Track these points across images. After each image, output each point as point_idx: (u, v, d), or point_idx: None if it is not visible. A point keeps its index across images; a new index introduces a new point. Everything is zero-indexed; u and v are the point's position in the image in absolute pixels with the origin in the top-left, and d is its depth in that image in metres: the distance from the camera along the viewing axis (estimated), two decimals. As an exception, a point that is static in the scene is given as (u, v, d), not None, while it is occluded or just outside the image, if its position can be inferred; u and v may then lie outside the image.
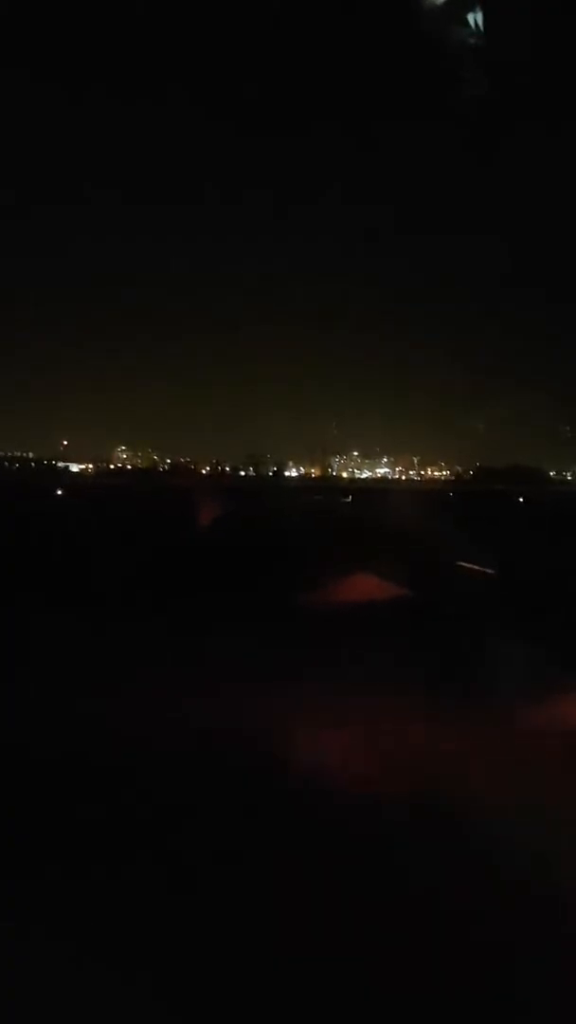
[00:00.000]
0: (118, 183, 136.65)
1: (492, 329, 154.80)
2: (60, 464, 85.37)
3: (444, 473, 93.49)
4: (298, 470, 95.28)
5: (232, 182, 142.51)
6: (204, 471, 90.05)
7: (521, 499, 44.98)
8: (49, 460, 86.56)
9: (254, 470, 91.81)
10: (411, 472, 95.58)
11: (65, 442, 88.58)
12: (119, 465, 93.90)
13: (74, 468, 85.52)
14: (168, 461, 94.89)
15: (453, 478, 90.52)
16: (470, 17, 11.86)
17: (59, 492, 41.66)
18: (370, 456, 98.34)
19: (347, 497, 42.50)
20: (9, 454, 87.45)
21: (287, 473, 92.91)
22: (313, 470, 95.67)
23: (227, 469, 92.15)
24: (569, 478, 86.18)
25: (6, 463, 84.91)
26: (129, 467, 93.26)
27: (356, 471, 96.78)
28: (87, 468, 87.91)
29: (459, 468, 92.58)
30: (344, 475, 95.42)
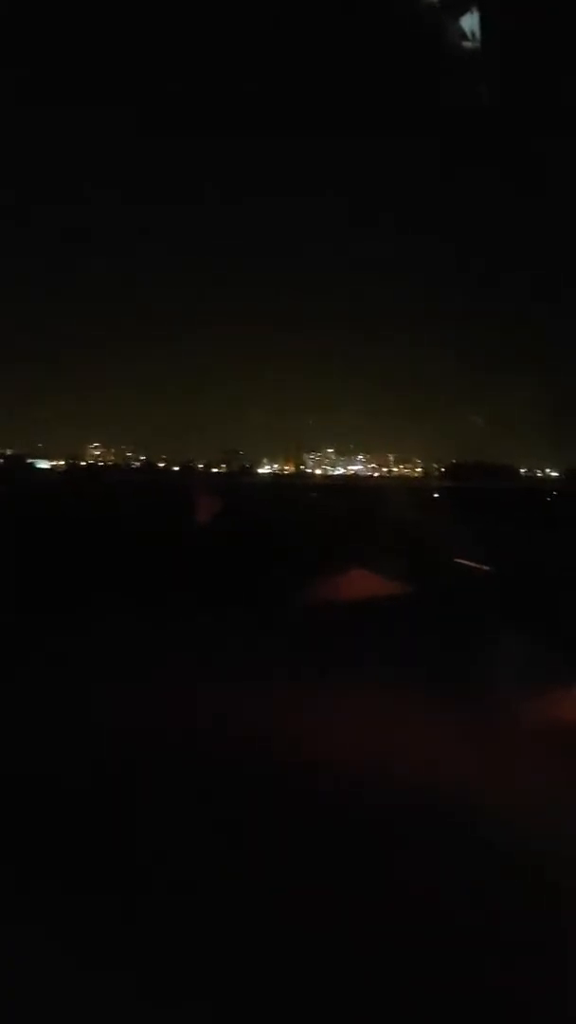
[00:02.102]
0: (100, 182, 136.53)
1: (471, 328, 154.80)
2: (28, 460, 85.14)
3: (418, 470, 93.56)
4: (272, 467, 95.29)
5: (216, 181, 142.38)
6: (174, 468, 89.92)
7: (436, 495, 47.94)
8: (23, 457, 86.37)
9: (227, 467, 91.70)
10: (384, 469, 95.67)
11: None
12: (91, 462, 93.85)
13: (43, 465, 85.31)
14: (143, 458, 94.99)
15: (424, 475, 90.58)
16: (465, 24, 11.81)
17: None
18: (344, 453, 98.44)
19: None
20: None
21: (260, 470, 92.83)
22: (287, 467, 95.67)
23: (200, 466, 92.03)
24: (540, 475, 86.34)
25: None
26: (101, 464, 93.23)
27: (330, 468, 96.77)
28: (58, 464, 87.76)
29: (435, 464, 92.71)
30: (318, 472, 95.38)
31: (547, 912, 3.33)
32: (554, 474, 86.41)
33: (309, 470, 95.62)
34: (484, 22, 11.61)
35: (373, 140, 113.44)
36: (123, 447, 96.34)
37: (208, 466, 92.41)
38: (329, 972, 2.93)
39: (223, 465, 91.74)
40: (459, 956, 3.03)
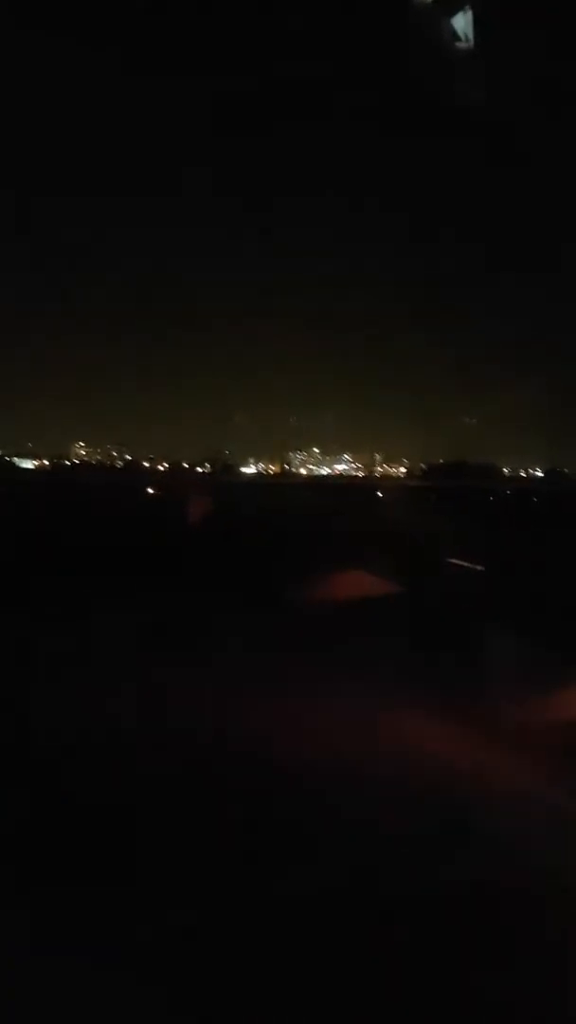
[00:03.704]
0: (97, 191, 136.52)
1: (461, 329, 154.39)
2: (13, 459, 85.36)
3: (402, 470, 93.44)
4: (258, 467, 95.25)
5: (204, 181, 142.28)
6: (160, 468, 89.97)
7: (379, 493, 50.86)
8: (5, 456, 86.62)
9: (211, 467, 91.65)
10: (371, 469, 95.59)
11: None
12: (77, 461, 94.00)
13: (27, 464, 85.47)
14: (128, 457, 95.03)
15: (408, 475, 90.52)
16: (458, 27, 11.77)
17: None
18: (330, 452, 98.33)
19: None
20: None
21: (245, 470, 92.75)
22: (272, 467, 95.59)
23: (185, 465, 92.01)
24: (524, 475, 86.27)
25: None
26: (88, 463, 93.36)
27: (315, 468, 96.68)
28: (41, 463, 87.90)
29: (422, 465, 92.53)
30: (303, 472, 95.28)
31: (545, 911, 3.31)
32: (539, 474, 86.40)
33: (294, 470, 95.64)
34: (477, 22, 11.56)
35: (368, 140, 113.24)
36: (108, 446, 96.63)
37: (193, 465, 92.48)
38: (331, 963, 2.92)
39: (207, 464, 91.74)
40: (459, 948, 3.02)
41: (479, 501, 44.37)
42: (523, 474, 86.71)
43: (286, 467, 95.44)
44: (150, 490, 44.07)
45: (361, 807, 4.19)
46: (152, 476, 78.02)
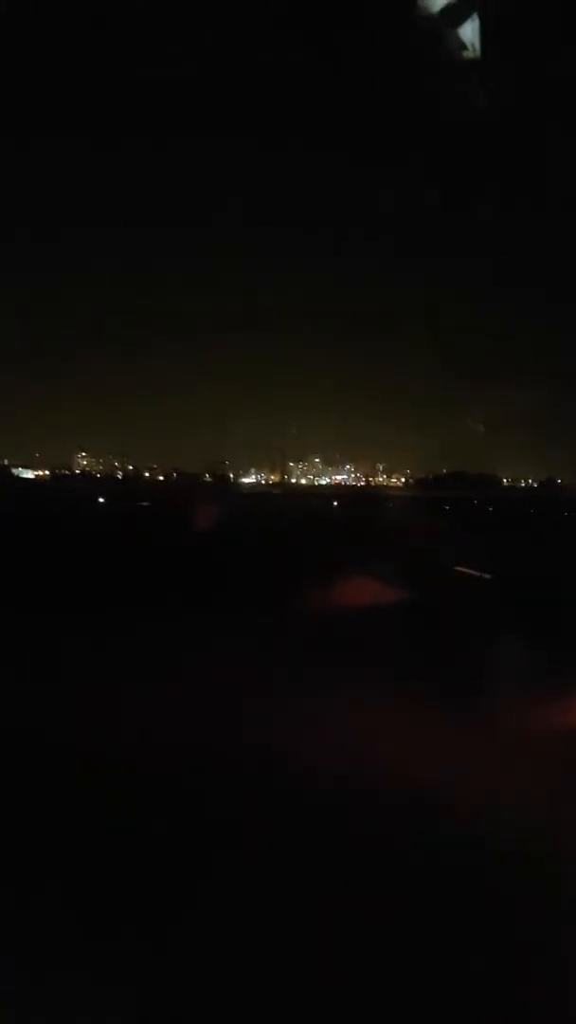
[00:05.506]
0: (97, 198, 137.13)
1: (462, 336, 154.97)
2: (15, 470, 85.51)
3: (400, 480, 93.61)
4: (258, 476, 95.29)
5: (194, 185, 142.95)
6: (160, 478, 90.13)
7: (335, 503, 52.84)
8: (8, 467, 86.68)
9: (211, 476, 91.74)
10: (371, 479, 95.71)
11: None
12: (78, 471, 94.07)
13: (27, 475, 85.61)
14: (130, 467, 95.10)
15: (405, 485, 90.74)
16: (464, 34, 11.93)
17: None
18: (331, 462, 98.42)
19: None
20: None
21: (245, 479, 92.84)
22: (273, 476, 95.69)
23: (174, 475, 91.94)
24: (523, 485, 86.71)
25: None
26: (90, 473, 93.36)
27: (315, 478, 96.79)
28: (43, 474, 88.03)
29: (423, 475, 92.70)
30: (303, 481, 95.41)
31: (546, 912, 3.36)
32: (535, 484, 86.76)
33: (294, 480, 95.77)
34: (485, 31, 11.69)
35: (369, 149, 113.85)
36: (110, 456, 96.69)
37: (195, 475, 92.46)
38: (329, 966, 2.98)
39: (206, 475, 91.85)
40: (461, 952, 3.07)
41: (474, 509, 45.38)
42: (522, 483, 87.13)
43: (285, 477, 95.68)
44: (101, 499, 44.81)
45: (363, 809, 4.25)
46: (149, 486, 78.16)
